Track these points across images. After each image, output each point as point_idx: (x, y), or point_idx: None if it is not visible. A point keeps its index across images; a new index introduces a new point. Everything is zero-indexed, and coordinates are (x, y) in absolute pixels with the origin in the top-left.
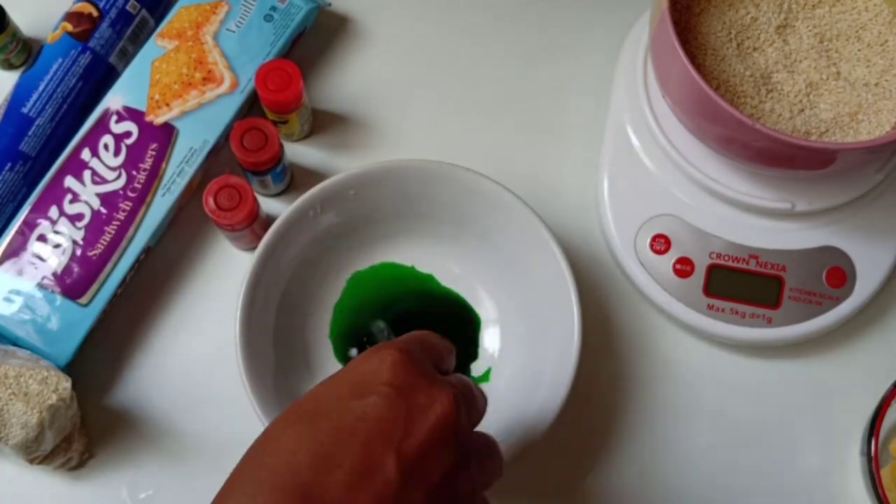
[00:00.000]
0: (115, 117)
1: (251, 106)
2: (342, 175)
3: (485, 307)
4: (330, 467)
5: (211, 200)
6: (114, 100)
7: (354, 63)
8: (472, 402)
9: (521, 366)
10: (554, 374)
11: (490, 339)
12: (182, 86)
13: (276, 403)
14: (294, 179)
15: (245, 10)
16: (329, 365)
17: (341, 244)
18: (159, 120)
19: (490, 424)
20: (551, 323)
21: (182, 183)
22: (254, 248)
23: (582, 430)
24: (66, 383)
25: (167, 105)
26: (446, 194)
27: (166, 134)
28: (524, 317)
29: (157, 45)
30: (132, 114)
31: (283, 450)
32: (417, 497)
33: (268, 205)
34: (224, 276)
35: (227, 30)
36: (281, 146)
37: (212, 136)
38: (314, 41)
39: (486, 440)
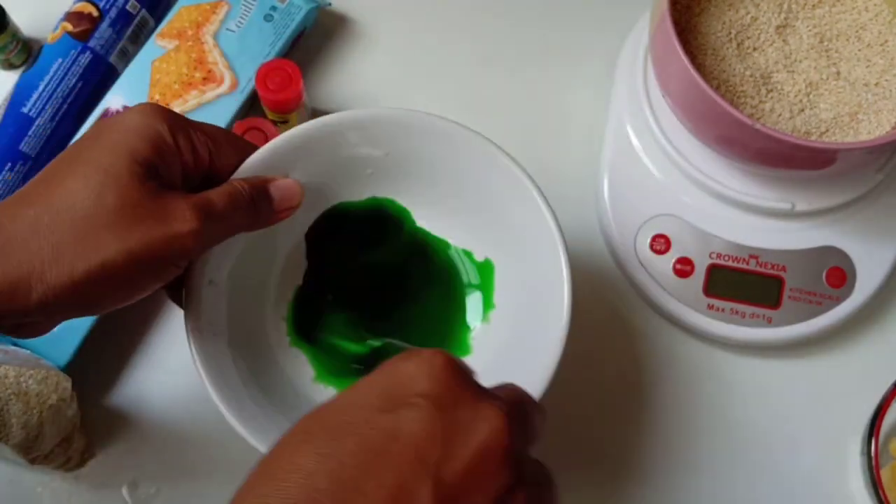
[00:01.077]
0: None
1: (251, 106)
2: (319, 121)
3: (467, 270)
4: (353, 495)
5: None
6: (114, 100)
7: (354, 63)
8: (527, 420)
9: (506, 337)
10: (540, 349)
11: (473, 307)
12: (182, 85)
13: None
14: None
15: (245, 10)
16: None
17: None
18: None
19: None
20: (541, 295)
21: None
22: None
23: (580, 429)
24: (66, 383)
25: (167, 105)
26: (432, 150)
27: None
28: (512, 284)
29: (157, 45)
30: None
31: (298, 469)
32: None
33: None
34: None
35: (228, 30)
36: None
37: None
38: (314, 41)
39: (540, 469)
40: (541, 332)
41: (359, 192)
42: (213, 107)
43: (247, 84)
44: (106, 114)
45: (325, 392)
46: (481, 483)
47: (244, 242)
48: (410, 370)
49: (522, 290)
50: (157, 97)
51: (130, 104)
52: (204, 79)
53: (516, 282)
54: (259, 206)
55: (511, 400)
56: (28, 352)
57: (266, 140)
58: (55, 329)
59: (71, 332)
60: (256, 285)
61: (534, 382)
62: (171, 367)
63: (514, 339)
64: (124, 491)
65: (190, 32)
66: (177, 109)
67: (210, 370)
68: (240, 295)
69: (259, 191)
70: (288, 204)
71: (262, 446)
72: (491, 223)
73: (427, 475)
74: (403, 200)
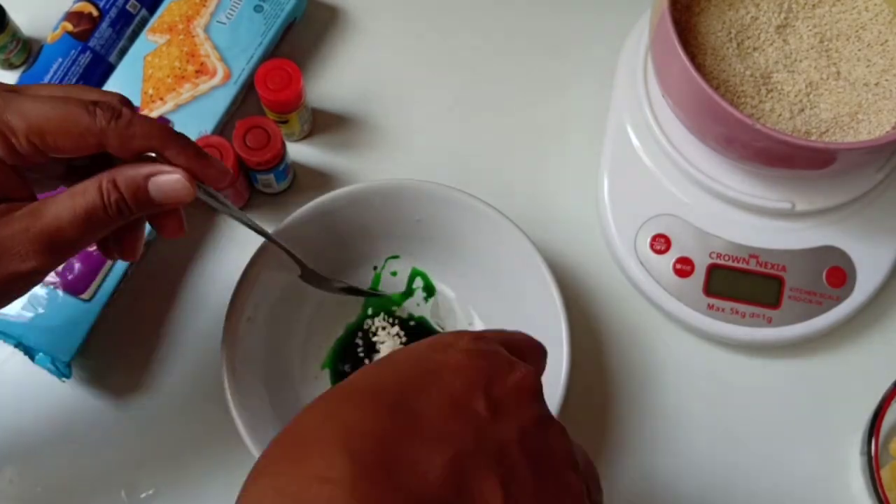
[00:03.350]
0: None
1: (245, 97)
2: (330, 194)
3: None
4: (418, 391)
5: None
6: None
7: (349, 57)
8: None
9: None
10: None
11: None
12: (175, 79)
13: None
14: (297, 178)
15: (235, 2)
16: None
17: (332, 264)
18: (154, 114)
19: None
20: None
21: None
22: (238, 209)
23: (581, 429)
24: None
25: (161, 99)
26: (436, 215)
27: None
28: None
29: (148, 40)
30: None
31: (368, 374)
32: (509, 429)
33: (272, 205)
34: (224, 267)
35: (218, 22)
36: (283, 144)
37: (207, 128)
38: (306, 33)
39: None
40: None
41: (396, 248)
42: (207, 99)
43: (240, 75)
44: None
45: None
46: (522, 407)
47: (286, 282)
48: (449, 338)
49: None
50: (150, 91)
51: None
52: (197, 71)
53: None
54: (130, 211)
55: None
56: None
57: (269, 139)
58: (58, 325)
59: (74, 328)
60: (293, 321)
61: None
62: (171, 369)
63: None
64: (123, 492)
65: (181, 26)
66: (171, 103)
67: (240, 404)
68: (275, 330)
69: (131, 196)
70: (173, 201)
71: None
72: (501, 287)
73: (478, 390)
74: (426, 262)
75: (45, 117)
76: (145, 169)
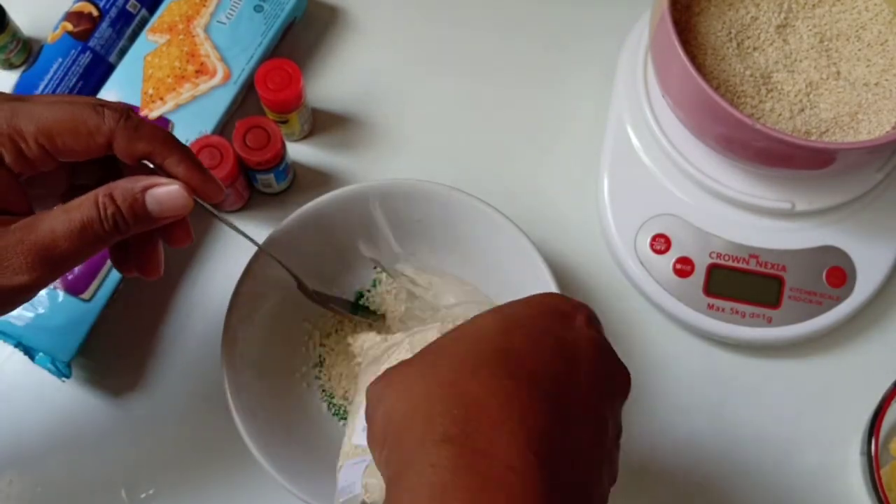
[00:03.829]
0: None
1: (245, 97)
2: (328, 195)
3: None
4: (566, 383)
5: None
6: (108, 96)
7: (349, 56)
8: None
9: None
10: None
11: None
12: (175, 79)
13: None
14: (297, 178)
15: (235, 2)
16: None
17: (331, 264)
18: (154, 114)
19: None
20: None
21: None
22: (238, 209)
23: None
24: None
25: (161, 99)
26: (436, 215)
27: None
28: None
29: (148, 40)
30: None
31: (503, 342)
32: (616, 412)
33: (272, 205)
34: (225, 266)
35: (218, 22)
36: (283, 144)
37: (207, 128)
38: (307, 33)
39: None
40: None
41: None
42: (207, 99)
43: (240, 75)
44: None
45: (341, 427)
46: (619, 403)
47: (286, 282)
48: (567, 308)
49: None
50: (150, 91)
51: (125, 100)
52: (197, 71)
53: None
54: (127, 225)
55: None
56: None
57: (269, 139)
58: (58, 325)
59: (75, 328)
60: (293, 321)
61: None
62: (171, 369)
63: None
64: (123, 493)
65: (181, 26)
66: (171, 103)
67: (240, 404)
68: (275, 330)
69: (128, 209)
70: (170, 213)
71: (287, 482)
72: (501, 287)
73: (603, 385)
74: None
75: (55, 118)
76: (142, 182)
